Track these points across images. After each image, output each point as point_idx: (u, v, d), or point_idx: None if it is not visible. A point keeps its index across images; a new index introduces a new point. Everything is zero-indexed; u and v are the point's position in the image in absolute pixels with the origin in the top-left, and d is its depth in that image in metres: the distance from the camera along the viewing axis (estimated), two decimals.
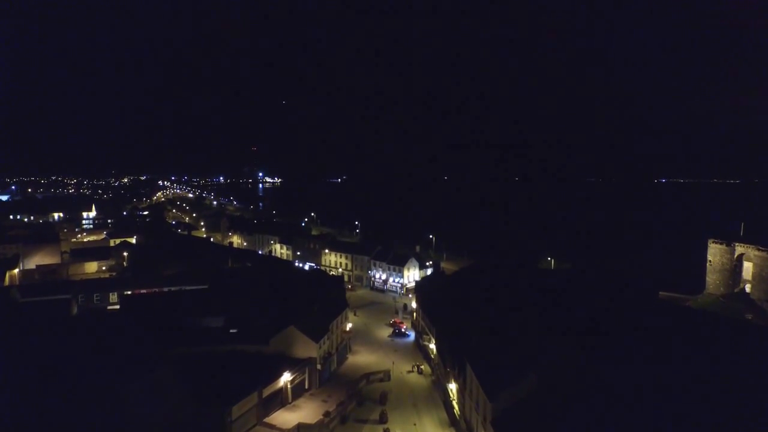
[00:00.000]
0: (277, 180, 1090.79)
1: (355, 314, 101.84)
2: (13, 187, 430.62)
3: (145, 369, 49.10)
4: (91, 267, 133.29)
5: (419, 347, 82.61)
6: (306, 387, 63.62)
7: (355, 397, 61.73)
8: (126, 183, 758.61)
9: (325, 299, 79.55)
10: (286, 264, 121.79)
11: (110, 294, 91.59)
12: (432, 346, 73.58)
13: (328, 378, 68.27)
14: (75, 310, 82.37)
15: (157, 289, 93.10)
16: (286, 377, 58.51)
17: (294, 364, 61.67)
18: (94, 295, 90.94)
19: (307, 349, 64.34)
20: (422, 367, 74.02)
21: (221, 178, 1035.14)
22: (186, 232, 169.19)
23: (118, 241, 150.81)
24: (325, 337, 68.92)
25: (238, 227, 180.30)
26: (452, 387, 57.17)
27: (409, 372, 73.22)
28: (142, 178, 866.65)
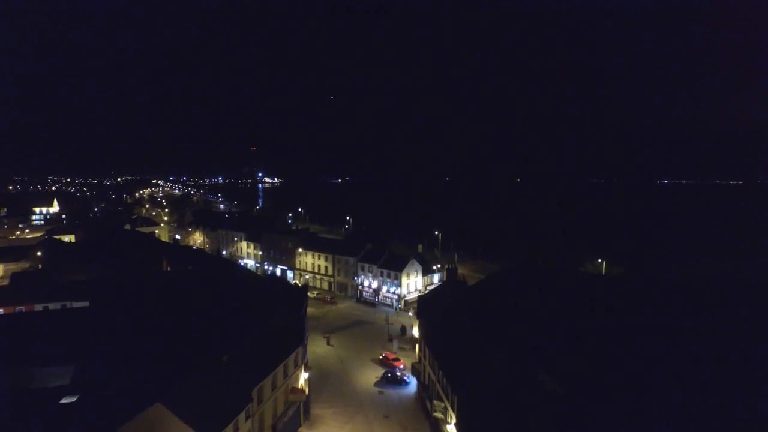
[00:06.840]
0: (277, 180, 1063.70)
1: (328, 343, 69.03)
2: None
3: None
4: None
5: (424, 410, 49.07)
6: None
7: None
8: (120, 182, 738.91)
9: (263, 330, 46.12)
10: (233, 268, 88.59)
11: None
12: (451, 427, 39.64)
13: None
14: None
15: (23, 309, 60.75)
16: None
17: None
18: None
19: None
20: None
21: (220, 178, 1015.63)
22: (129, 227, 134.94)
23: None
24: (243, 414, 35.43)
25: (201, 222, 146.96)
26: None
27: None
28: (137, 178, 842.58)
